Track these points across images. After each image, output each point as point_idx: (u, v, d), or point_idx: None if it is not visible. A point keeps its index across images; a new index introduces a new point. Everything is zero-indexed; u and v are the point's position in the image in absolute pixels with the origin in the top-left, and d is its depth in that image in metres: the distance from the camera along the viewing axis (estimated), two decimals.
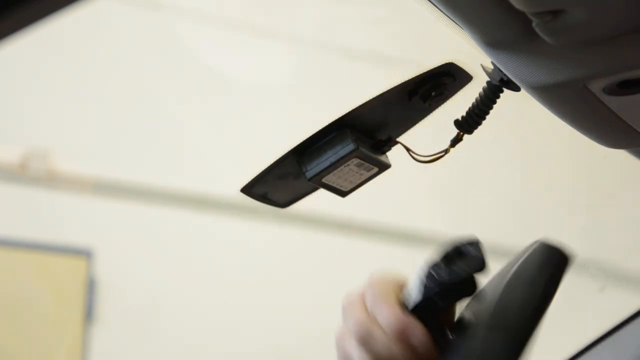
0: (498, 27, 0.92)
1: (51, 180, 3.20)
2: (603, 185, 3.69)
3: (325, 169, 1.06)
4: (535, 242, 0.96)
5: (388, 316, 0.92)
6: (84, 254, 3.19)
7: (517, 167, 3.78)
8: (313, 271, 3.53)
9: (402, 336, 0.91)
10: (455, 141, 1.09)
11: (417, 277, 0.93)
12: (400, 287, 0.95)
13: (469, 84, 1.07)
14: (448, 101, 1.08)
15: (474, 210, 3.79)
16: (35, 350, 3.10)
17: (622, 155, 1.15)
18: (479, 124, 1.08)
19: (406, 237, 3.64)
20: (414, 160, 1.09)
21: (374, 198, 3.32)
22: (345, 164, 1.06)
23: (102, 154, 3.32)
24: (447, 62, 1.04)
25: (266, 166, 1.06)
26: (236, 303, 3.40)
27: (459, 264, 0.93)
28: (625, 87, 0.96)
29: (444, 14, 0.92)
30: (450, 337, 0.93)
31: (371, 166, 1.07)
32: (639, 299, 3.62)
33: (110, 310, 3.22)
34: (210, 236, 3.42)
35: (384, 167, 1.08)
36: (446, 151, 1.09)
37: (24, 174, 3.18)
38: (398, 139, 1.09)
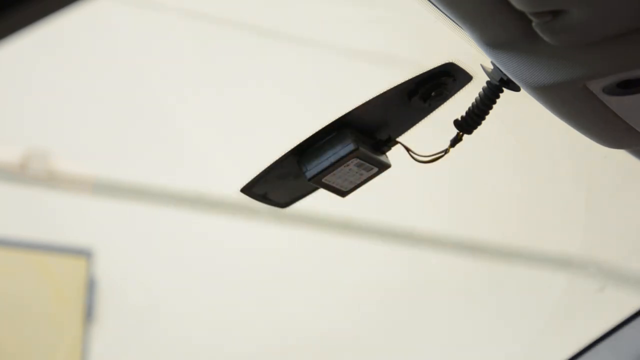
0: (498, 27, 0.92)
1: (51, 180, 3.20)
2: (603, 185, 3.69)
3: (325, 169, 1.06)
4: None
5: None
6: (84, 254, 3.19)
7: (517, 167, 3.78)
8: (313, 271, 3.53)
9: None
10: (455, 141, 1.09)
11: None
12: None
13: (469, 83, 1.07)
14: (448, 101, 1.08)
15: (474, 210, 3.79)
16: (35, 350, 3.10)
17: (622, 155, 1.15)
18: (479, 124, 1.08)
19: (406, 237, 3.64)
20: (414, 160, 1.09)
21: (374, 198, 3.32)
22: (345, 164, 1.06)
23: (102, 154, 3.32)
24: (447, 62, 1.04)
25: (266, 166, 1.06)
26: (236, 303, 3.40)
27: None
28: (625, 87, 0.96)
29: (444, 14, 0.92)
30: None
31: (371, 166, 1.07)
32: (639, 299, 3.63)
33: (110, 310, 3.22)
34: (210, 236, 3.42)
35: (384, 167, 1.08)
36: (446, 151, 1.09)
37: (24, 174, 3.18)
38: (398, 139, 1.09)
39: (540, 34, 0.90)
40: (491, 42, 0.94)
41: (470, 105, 1.08)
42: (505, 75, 1.01)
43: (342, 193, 1.10)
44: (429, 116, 1.08)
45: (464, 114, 1.08)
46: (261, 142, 3.08)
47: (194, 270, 3.36)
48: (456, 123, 1.09)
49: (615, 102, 0.98)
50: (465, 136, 1.09)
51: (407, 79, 1.04)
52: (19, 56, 3.12)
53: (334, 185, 1.08)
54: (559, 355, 1.51)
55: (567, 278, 3.75)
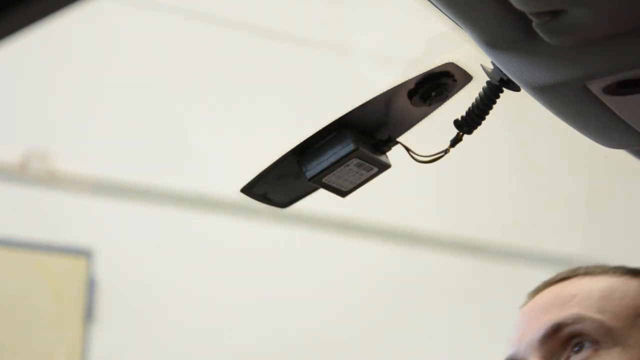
0: (498, 27, 0.92)
1: (51, 180, 3.20)
2: (603, 185, 3.69)
3: (325, 169, 1.05)
4: None
5: None
6: (84, 254, 3.19)
7: (517, 167, 3.78)
8: (313, 271, 3.53)
9: None
10: (455, 141, 1.09)
11: None
12: None
13: (469, 84, 1.07)
14: (448, 101, 1.08)
15: (474, 210, 3.79)
16: (35, 350, 3.10)
17: (622, 155, 1.15)
18: (479, 124, 1.08)
19: (406, 237, 3.64)
20: (414, 160, 1.08)
21: (374, 198, 3.32)
22: (345, 164, 1.05)
23: (102, 154, 3.32)
24: (447, 62, 1.04)
25: (266, 166, 1.06)
26: (236, 303, 3.40)
27: None
28: (625, 87, 0.96)
29: (444, 13, 0.92)
30: None
31: (371, 166, 1.07)
32: None
33: (110, 310, 3.22)
34: (210, 236, 3.42)
35: (384, 167, 1.08)
36: (446, 151, 1.09)
37: (24, 174, 3.18)
38: (398, 139, 1.09)
39: (540, 34, 0.90)
40: (491, 42, 0.94)
41: (470, 105, 1.08)
42: (505, 75, 1.01)
43: (342, 193, 1.10)
44: (429, 116, 1.08)
45: (464, 114, 1.08)
46: (261, 142, 3.08)
47: (194, 271, 3.36)
48: (456, 123, 1.08)
49: (615, 102, 0.98)
50: (465, 136, 1.08)
51: (407, 79, 1.04)
52: (19, 56, 3.12)
53: (334, 185, 1.08)
54: None
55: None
